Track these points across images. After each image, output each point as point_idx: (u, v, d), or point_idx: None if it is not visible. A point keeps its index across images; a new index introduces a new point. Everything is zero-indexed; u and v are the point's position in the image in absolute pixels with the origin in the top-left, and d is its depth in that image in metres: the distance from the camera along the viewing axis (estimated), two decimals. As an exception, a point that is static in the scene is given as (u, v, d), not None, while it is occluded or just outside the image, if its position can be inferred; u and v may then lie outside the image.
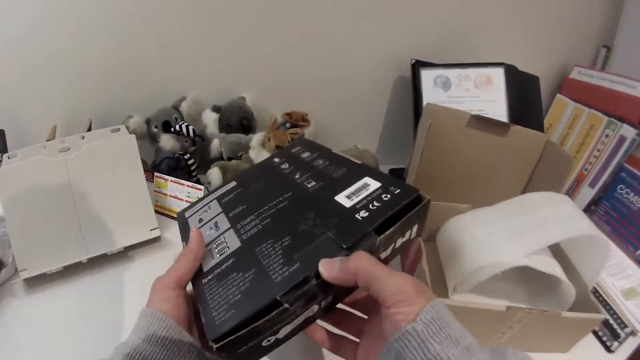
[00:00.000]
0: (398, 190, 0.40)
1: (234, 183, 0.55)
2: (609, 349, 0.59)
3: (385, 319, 0.31)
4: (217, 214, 0.49)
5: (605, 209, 0.83)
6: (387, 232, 0.36)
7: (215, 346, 0.32)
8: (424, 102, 0.87)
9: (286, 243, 0.38)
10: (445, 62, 0.89)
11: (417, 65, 0.89)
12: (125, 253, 0.68)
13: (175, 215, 0.77)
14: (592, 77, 0.90)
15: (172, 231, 0.75)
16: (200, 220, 0.50)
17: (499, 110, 0.87)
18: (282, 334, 0.36)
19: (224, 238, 0.44)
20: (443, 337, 0.28)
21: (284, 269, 0.35)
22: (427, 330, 0.28)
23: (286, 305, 0.32)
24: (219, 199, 0.53)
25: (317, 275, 0.33)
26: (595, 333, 0.61)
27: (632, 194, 0.78)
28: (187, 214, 0.54)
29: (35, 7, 0.75)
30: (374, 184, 0.42)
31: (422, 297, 0.30)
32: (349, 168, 0.47)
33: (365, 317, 0.40)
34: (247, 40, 0.87)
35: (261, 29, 0.86)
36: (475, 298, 0.63)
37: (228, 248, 0.42)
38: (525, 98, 0.88)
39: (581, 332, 0.57)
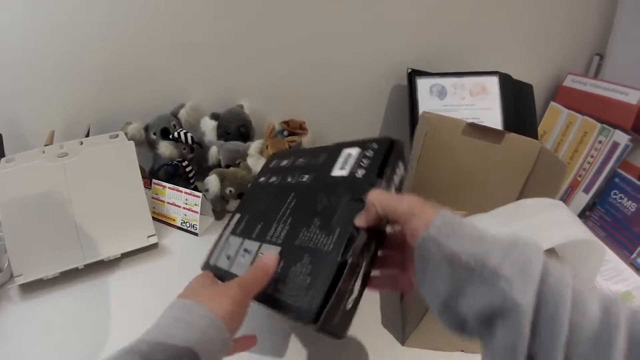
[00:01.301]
0: (375, 145, 0.47)
1: (238, 215, 0.56)
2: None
3: (408, 236, 0.36)
4: (241, 243, 0.50)
5: (600, 214, 0.83)
6: (386, 173, 0.43)
7: (316, 325, 0.35)
8: (420, 111, 0.88)
9: (317, 223, 0.42)
10: (440, 71, 0.91)
11: (413, 74, 0.90)
12: (122, 260, 0.68)
13: (173, 223, 0.78)
14: (585, 85, 0.92)
15: (170, 238, 0.75)
16: (229, 257, 0.50)
17: (494, 118, 0.88)
18: (355, 290, 0.40)
19: (262, 253, 0.45)
20: (456, 236, 0.32)
21: (330, 239, 0.39)
22: (440, 233, 0.32)
23: (350, 259, 0.37)
24: (232, 232, 0.53)
25: (356, 228, 0.39)
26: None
27: (625, 199, 0.79)
28: (211, 261, 0.53)
29: (36, 14, 0.75)
30: (354, 151, 0.48)
31: (430, 210, 0.34)
32: (326, 151, 0.52)
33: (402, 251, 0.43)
34: (246, 49, 0.88)
35: (260, 38, 0.87)
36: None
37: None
38: (520, 106, 0.89)
39: (577, 337, 0.57)
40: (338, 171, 0.47)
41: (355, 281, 0.39)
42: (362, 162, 0.45)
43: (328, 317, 0.36)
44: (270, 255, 0.41)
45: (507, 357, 0.28)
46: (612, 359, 0.25)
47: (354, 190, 0.43)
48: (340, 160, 0.48)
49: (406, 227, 0.35)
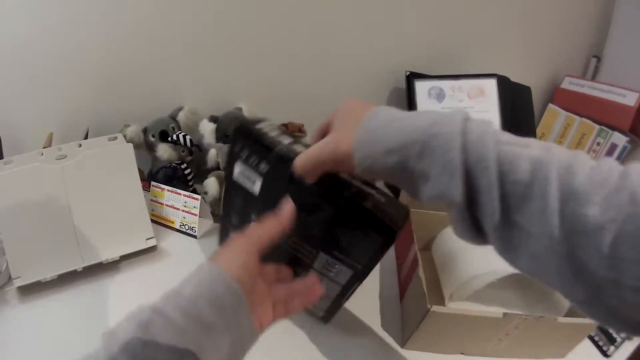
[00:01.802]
0: None
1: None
2: (605, 354, 0.59)
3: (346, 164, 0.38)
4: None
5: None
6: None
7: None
8: (419, 113, 0.88)
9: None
10: (439, 74, 0.91)
11: (412, 77, 0.91)
12: (121, 262, 0.68)
13: (171, 225, 0.78)
14: (583, 87, 0.92)
15: (168, 241, 0.75)
16: None
17: (492, 120, 0.88)
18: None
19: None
20: (377, 152, 0.34)
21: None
22: (363, 157, 0.35)
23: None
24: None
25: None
26: (591, 338, 0.61)
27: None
28: None
29: (34, 17, 0.76)
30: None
31: (345, 129, 0.38)
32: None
33: None
34: (245, 52, 0.88)
35: (258, 40, 0.87)
36: (472, 306, 0.63)
37: None
38: (518, 108, 0.90)
39: (577, 337, 0.57)
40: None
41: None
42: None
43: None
44: (288, 206, 0.40)
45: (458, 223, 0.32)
46: (546, 211, 0.27)
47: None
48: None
49: (338, 160, 0.37)
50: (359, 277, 0.50)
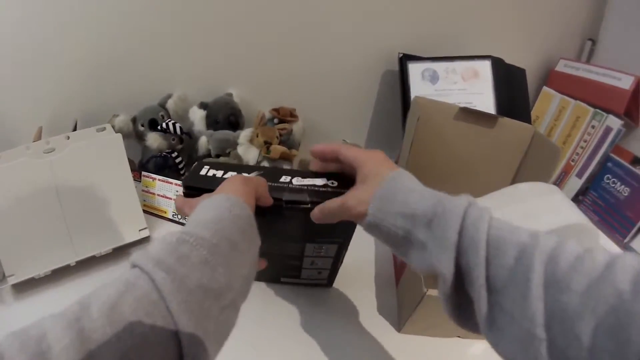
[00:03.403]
0: None
1: None
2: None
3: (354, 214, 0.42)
4: None
5: (593, 199, 0.84)
6: None
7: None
8: (412, 96, 0.87)
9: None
10: (432, 56, 0.90)
11: (405, 59, 0.89)
12: (115, 254, 0.67)
13: (164, 215, 0.77)
14: (578, 70, 0.91)
15: (161, 231, 0.74)
16: None
17: (486, 102, 0.88)
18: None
19: None
20: (389, 215, 0.38)
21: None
22: (376, 217, 0.39)
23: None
24: None
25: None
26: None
27: (618, 184, 0.79)
28: None
29: (19, 7, 0.73)
30: None
31: (365, 193, 0.41)
32: None
33: None
34: (233, 36, 0.86)
35: (247, 24, 0.85)
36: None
37: None
38: (513, 90, 0.89)
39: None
40: None
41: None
42: None
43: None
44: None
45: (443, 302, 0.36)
46: (529, 297, 0.28)
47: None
48: None
49: (352, 215, 0.42)
50: (344, 246, 0.56)
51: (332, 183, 0.48)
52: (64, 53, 0.80)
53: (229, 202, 0.36)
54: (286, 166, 0.79)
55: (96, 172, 0.66)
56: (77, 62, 0.81)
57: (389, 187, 0.39)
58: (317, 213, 0.44)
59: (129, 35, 0.81)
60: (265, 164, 0.79)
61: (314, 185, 0.47)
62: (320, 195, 0.46)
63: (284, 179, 0.48)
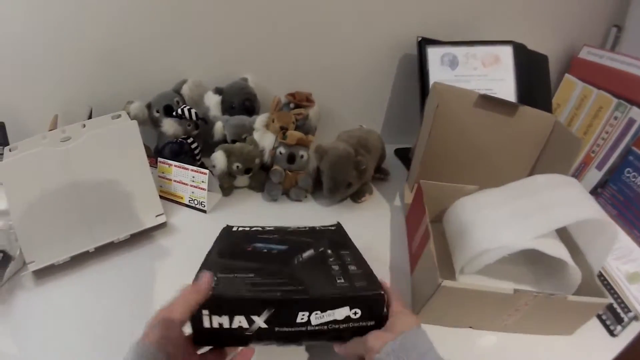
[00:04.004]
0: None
1: None
2: (612, 333, 0.60)
3: None
4: None
5: (612, 192, 0.82)
6: None
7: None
8: (431, 81, 0.85)
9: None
10: (452, 40, 0.87)
11: (423, 43, 0.87)
12: (132, 240, 0.68)
13: (180, 201, 0.77)
14: (602, 58, 0.88)
15: (178, 217, 0.75)
16: None
17: (507, 89, 0.86)
18: None
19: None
20: None
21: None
22: None
23: None
24: None
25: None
26: (599, 317, 0.62)
27: (639, 178, 0.77)
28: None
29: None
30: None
31: None
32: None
33: None
34: (249, 20, 0.84)
35: (264, 8, 0.83)
36: (482, 279, 0.64)
37: None
38: (534, 78, 0.86)
39: (586, 316, 0.57)
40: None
41: None
42: None
43: None
44: (205, 275, 0.41)
45: None
46: None
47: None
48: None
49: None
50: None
51: (355, 314, 0.42)
52: (78, 41, 0.79)
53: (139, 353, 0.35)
54: (302, 152, 0.78)
55: (112, 160, 0.67)
56: (91, 50, 0.80)
57: (407, 337, 0.40)
58: (340, 351, 0.44)
59: (143, 21, 0.80)
60: (281, 149, 0.78)
61: (335, 322, 0.41)
62: (342, 336, 0.42)
63: (301, 318, 0.40)
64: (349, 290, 0.42)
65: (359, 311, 0.41)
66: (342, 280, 0.43)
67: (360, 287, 0.42)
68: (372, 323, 0.42)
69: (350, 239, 0.56)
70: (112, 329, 0.54)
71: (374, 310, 0.42)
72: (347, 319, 0.41)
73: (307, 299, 0.40)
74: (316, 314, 0.40)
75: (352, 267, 0.47)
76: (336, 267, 0.46)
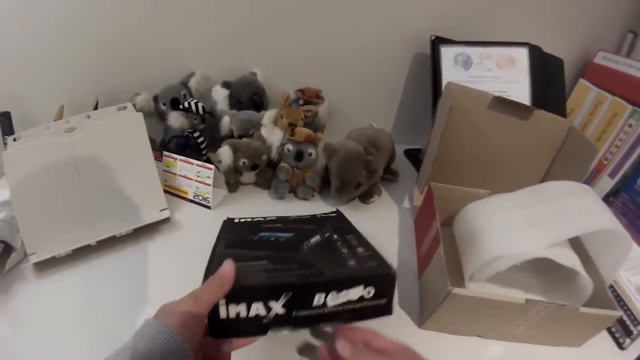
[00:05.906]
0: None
1: None
2: (621, 346, 0.59)
3: None
4: None
5: (624, 201, 0.81)
6: None
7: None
8: (444, 81, 0.84)
9: None
10: (466, 40, 0.86)
11: (437, 42, 0.85)
12: (135, 235, 0.66)
13: (185, 196, 0.76)
14: (617, 63, 0.87)
15: (182, 212, 0.74)
16: None
17: (521, 92, 0.84)
18: None
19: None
20: None
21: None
22: None
23: None
24: None
25: None
26: (608, 329, 0.61)
27: (652, 188, 0.77)
28: None
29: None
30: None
31: None
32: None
33: None
34: (258, 13, 0.82)
35: (274, 1, 0.81)
36: (492, 287, 0.63)
37: None
38: (549, 81, 0.85)
39: (596, 328, 0.56)
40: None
41: None
42: None
43: None
44: (227, 264, 0.40)
45: None
46: None
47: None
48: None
49: None
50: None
51: (369, 293, 0.42)
52: (84, 32, 0.78)
53: (165, 338, 0.33)
54: (310, 149, 0.77)
55: (117, 152, 0.65)
56: (98, 41, 0.79)
57: None
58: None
59: (151, 12, 0.78)
60: (289, 146, 0.77)
61: (350, 302, 0.42)
62: (357, 315, 0.42)
63: (318, 300, 0.41)
64: (363, 270, 0.43)
65: (372, 290, 0.42)
66: (354, 262, 0.44)
67: (373, 267, 0.43)
68: (384, 301, 0.43)
69: (352, 224, 0.57)
70: (112, 324, 0.52)
71: (386, 288, 0.43)
72: (361, 298, 0.42)
73: (324, 281, 0.41)
74: (332, 294, 0.41)
75: (360, 249, 0.47)
76: (345, 250, 0.47)
